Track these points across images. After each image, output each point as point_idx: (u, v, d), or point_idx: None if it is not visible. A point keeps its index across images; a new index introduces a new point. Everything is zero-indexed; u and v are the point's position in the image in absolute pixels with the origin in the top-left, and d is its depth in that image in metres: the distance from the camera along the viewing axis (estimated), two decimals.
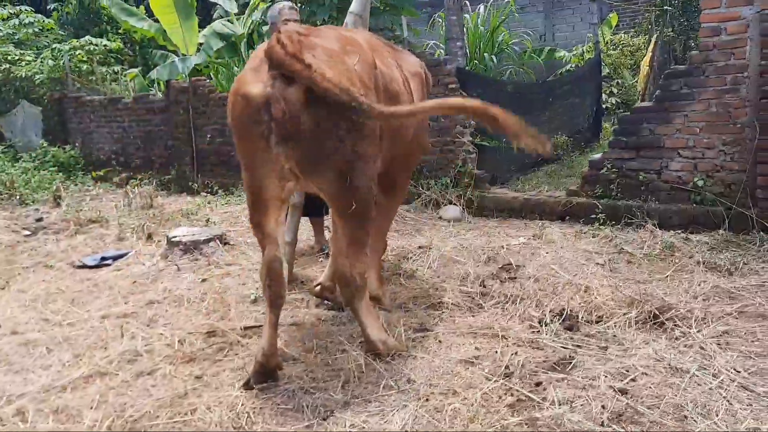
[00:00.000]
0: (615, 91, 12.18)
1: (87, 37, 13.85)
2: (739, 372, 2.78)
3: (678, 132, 5.02)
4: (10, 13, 15.18)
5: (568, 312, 3.63)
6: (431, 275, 4.56)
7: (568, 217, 5.71)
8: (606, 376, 2.82)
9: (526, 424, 2.48)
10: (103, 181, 9.93)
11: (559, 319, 3.56)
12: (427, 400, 2.71)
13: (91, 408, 2.77)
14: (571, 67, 12.19)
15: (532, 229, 5.50)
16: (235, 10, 11.16)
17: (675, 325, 3.40)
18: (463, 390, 2.77)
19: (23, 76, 12.52)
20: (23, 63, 13.59)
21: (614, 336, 3.33)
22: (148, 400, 2.83)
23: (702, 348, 3.08)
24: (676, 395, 2.61)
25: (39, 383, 3.06)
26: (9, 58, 13.99)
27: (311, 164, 2.79)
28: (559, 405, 2.59)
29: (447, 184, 6.54)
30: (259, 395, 2.82)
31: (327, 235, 5.34)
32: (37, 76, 12.37)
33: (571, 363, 3.00)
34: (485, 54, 9.65)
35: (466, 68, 7.99)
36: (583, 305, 3.71)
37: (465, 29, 9.92)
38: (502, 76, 9.94)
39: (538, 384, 2.81)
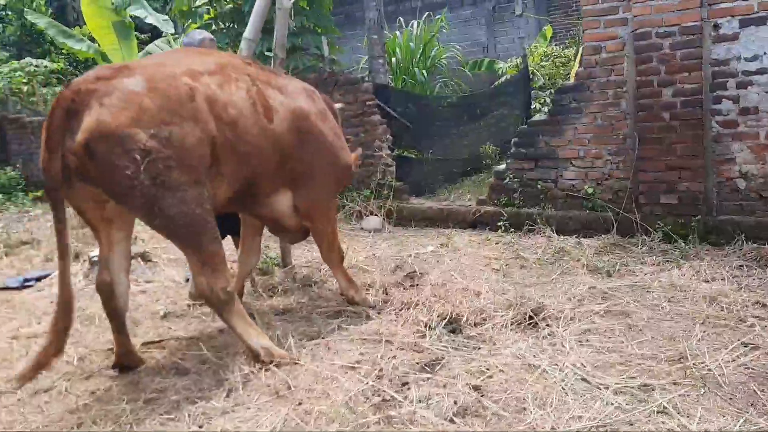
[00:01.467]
0: (548, 101, 12.63)
1: (27, 59, 13.81)
2: (583, 366, 3.06)
3: (570, 143, 5.37)
4: None
5: (454, 316, 3.88)
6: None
7: (478, 225, 6.01)
8: (466, 374, 3.07)
9: (384, 421, 2.71)
10: (43, 202, 9.93)
11: (444, 323, 3.82)
12: (300, 404, 2.92)
13: None
14: (506, 78, 12.62)
15: (442, 238, 5.78)
16: (172, 31, 11.27)
17: (547, 324, 3.69)
18: (335, 393, 2.99)
19: None
20: None
21: (490, 337, 3.60)
22: (38, 416, 2.97)
23: (562, 345, 3.37)
24: (521, 389, 2.87)
25: None
26: None
27: (115, 200, 2.99)
28: (418, 402, 2.84)
29: (369, 195, 6.80)
30: (144, 407, 2.99)
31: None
32: None
33: (440, 363, 3.25)
34: (416, 69, 9.97)
35: (389, 85, 8.27)
36: (469, 309, 3.96)
37: (398, 46, 10.24)
38: (432, 90, 10.27)
39: (404, 384, 3.04)
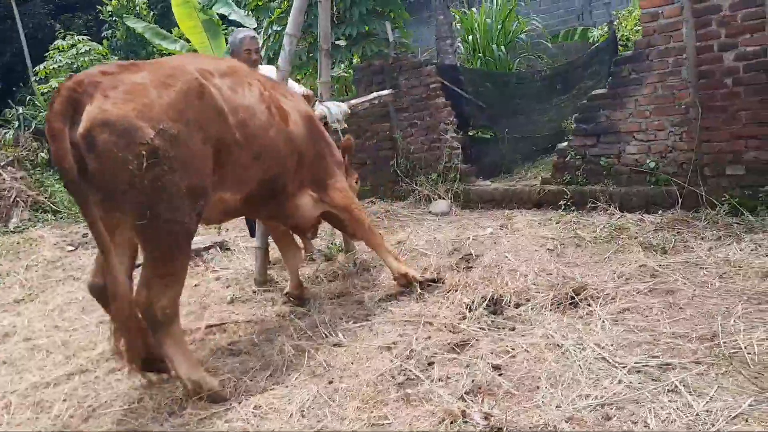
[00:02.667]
0: None
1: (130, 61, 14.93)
2: (608, 346, 3.05)
3: (631, 116, 5.20)
4: (69, 45, 16.50)
5: (497, 297, 3.95)
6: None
7: (543, 205, 5.95)
8: (491, 354, 3.16)
9: (402, 399, 2.87)
10: None
11: (486, 304, 3.89)
12: (330, 382, 3.14)
13: (63, 401, 3.35)
14: (592, 48, 12.13)
15: (503, 219, 5.80)
16: (254, 26, 11.77)
17: (588, 304, 3.68)
18: (365, 372, 3.18)
19: None
20: None
21: (528, 318, 3.65)
22: (107, 392, 3.38)
23: (595, 325, 3.36)
24: (540, 368, 2.93)
25: (30, 381, 3.67)
26: None
27: (106, 198, 2.75)
28: (438, 381, 2.97)
29: (436, 179, 6.89)
30: None
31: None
32: None
33: (469, 344, 3.35)
34: (494, 46, 9.84)
35: (458, 65, 8.25)
36: (513, 290, 4.01)
37: (475, 23, 10.12)
38: (511, 67, 10.09)
39: (430, 364, 3.18)
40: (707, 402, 2.45)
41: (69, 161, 2.53)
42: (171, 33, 13.52)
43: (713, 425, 2.29)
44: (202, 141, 2.91)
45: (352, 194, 4.29)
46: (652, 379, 2.70)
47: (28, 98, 14.97)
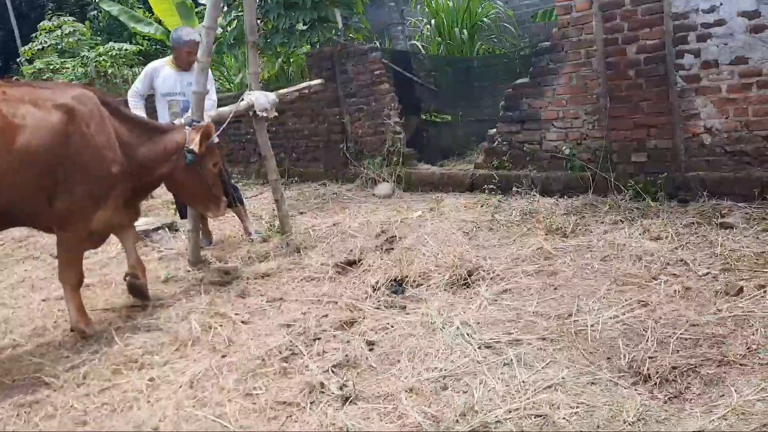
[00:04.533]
0: None
1: (110, 44, 15.08)
2: (471, 324, 3.34)
3: (550, 105, 5.44)
4: (54, 25, 16.61)
5: (402, 278, 4.24)
6: (325, 250, 5.20)
7: (476, 188, 6.21)
8: (371, 331, 3.46)
9: (279, 372, 3.16)
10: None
11: (390, 284, 4.18)
12: (223, 356, 3.43)
13: None
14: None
15: (433, 202, 6.06)
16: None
17: (478, 285, 3.96)
18: (258, 348, 3.47)
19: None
20: (64, 70, 15.02)
21: (422, 297, 3.93)
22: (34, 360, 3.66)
23: (475, 303, 3.64)
24: (406, 344, 3.22)
25: None
26: (52, 67, 15.46)
27: None
28: (316, 355, 3.26)
29: (380, 163, 7.13)
30: (103, 356, 3.60)
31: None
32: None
33: (356, 322, 3.64)
34: (455, 30, 9.98)
35: (408, 51, 8.43)
36: (418, 271, 4.29)
37: (439, 7, 10.24)
38: (473, 51, 10.24)
39: (316, 339, 3.47)
40: (531, 374, 2.75)
41: None
42: (148, 16, 13.69)
43: (525, 393, 2.59)
44: None
45: (85, 208, 3.85)
46: (497, 354, 2.99)
47: (15, 78, 15.15)
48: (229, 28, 8.77)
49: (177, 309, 4.23)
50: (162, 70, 5.39)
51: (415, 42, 9.40)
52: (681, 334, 2.96)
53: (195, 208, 4.93)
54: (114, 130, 3.92)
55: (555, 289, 3.74)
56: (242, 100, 5.06)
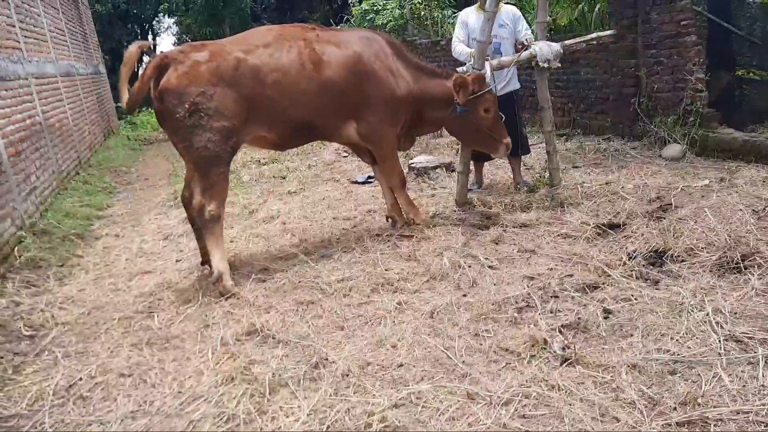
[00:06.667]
0: None
1: None
2: (725, 314, 3.05)
3: None
4: None
5: (664, 250, 4.00)
6: (589, 209, 5.09)
7: None
8: (611, 299, 3.39)
9: (511, 320, 3.31)
10: None
11: (648, 255, 3.98)
12: (464, 295, 3.69)
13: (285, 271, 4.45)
14: None
15: (726, 172, 5.42)
16: None
17: (750, 272, 3.56)
18: (497, 294, 3.65)
19: (381, 23, 15.33)
20: (384, 12, 16.46)
21: (681, 274, 3.68)
22: (316, 267, 4.37)
23: (740, 292, 3.30)
24: (644, 320, 3.10)
25: (268, 253, 4.87)
26: (375, 8, 17.04)
27: (168, 134, 4.19)
28: (548, 312, 3.33)
29: (674, 122, 6.54)
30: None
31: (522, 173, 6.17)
32: (390, 23, 15.03)
33: (599, 287, 3.58)
34: None
35: None
36: (683, 245, 3.99)
37: None
38: None
39: (554, 296, 3.52)
40: None
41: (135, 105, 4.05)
42: None
43: (761, 399, 2.34)
44: (235, 97, 4.10)
45: (385, 130, 4.73)
46: (742, 349, 2.73)
47: (345, 19, 16.90)
48: None
49: (435, 244, 4.59)
50: (470, 16, 5.67)
51: None
52: None
53: (478, 149, 5.25)
54: (396, 66, 4.70)
55: None
56: (526, 49, 5.09)
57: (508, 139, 4.85)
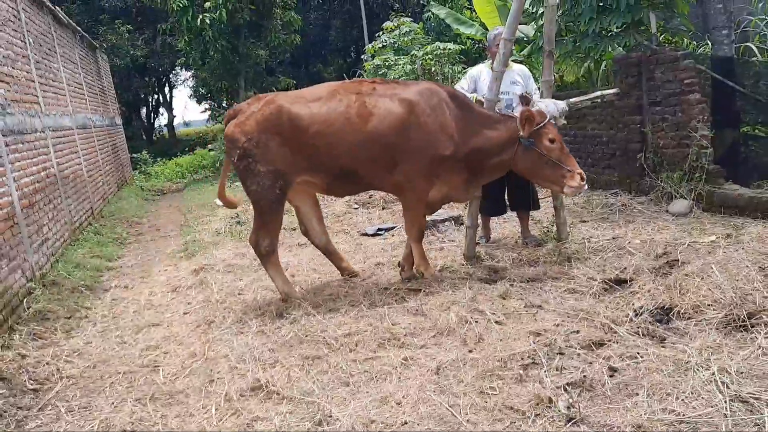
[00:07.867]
0: None
1: (436, 43, 16.39)
2: (731, 373, 3.02)
3: None
4: (395, 25, 18.66)
5: (670, 306, 3.98)
6: (596, 264, 5.09)
7: None
8: (617, 357, 3.37)
9: (517, 377, 3.29)
10: None
11: (654, 312, 3.97)
12: (470, 351, 3.67)
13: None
14: None
15: (733, 229, 5.43)
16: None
17: (757, 330, 3.53)
18: (503, 350, 3.63)
19: (393, 78, 15.65)
20: (396, 67, 16.83)
21: (688, 332, 3.66)
22: (323, 321, 4.38)
23: (746, 351, 3.28)
24: (650, 378, 3.08)
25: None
26: (387, 63, 17.45)
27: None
28: (554, 369, 3.31)
29: (680, 177, 6.58)
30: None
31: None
32: (401, 78, 15.37)
33: (606, 344, 3.56)
34: None
35: (732, 57, 7.45)
36: (690, 302, 3.97)
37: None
38: None
39: (560, 354, 3.51)
40: None
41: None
42: (473, 16, 14.47)
43: None
44: (278, 143, 4.63)
45: (418, 182, 4.84)
46: (748, 411, 2.70)
47: (358, 74, 17.32)
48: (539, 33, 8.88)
49: (443, 298, 4.59)
50: (482, 73, 5.75)
51: (750, 44, 8.33)
52: None
53: (549, 188, 5.36)
54: (456, 120, 4.78)
55: None
56: (533, 106, 5.19)
57: (581, 171, 4.93)
